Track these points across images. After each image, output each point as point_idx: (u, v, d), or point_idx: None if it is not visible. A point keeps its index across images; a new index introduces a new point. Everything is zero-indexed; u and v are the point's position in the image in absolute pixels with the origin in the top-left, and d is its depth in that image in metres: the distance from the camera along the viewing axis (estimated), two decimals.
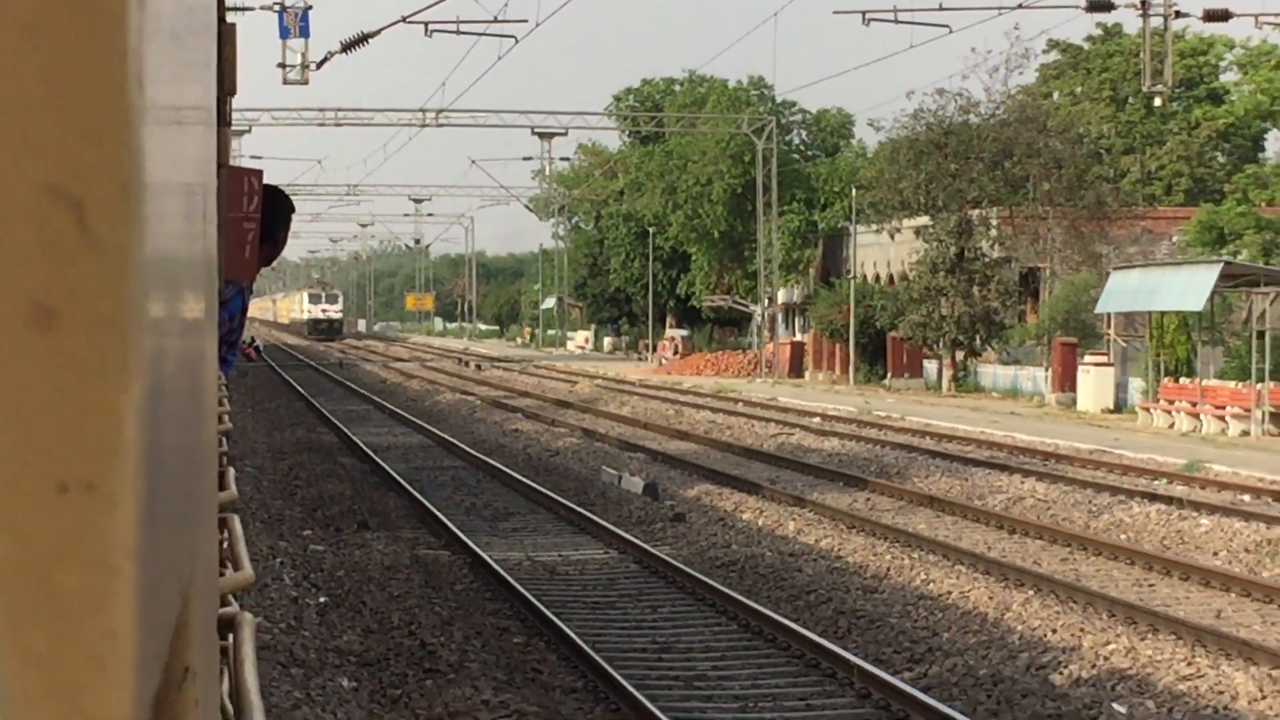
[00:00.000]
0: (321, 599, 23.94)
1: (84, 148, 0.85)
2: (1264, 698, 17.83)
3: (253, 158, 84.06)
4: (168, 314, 1.21)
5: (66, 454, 0.84)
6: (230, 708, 2.88)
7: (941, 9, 44.75)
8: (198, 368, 1.96)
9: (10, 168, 0.83)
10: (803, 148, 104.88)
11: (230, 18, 10.72)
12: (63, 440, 0.84)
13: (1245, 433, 50.06)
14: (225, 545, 4.42)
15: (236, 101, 10.54)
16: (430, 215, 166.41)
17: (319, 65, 39.18)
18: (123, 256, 0.86)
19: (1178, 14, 39.10)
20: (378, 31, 41.34)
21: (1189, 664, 19.40)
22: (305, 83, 38.02)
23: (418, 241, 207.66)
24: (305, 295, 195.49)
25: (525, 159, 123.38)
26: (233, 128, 13.44)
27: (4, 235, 0.83)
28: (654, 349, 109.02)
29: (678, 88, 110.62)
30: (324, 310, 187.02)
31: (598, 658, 19.29)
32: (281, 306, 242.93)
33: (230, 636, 2.92)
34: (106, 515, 0.85)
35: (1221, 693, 18.20)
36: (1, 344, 0.83)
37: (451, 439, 49.14)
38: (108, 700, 0.84)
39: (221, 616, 2.87)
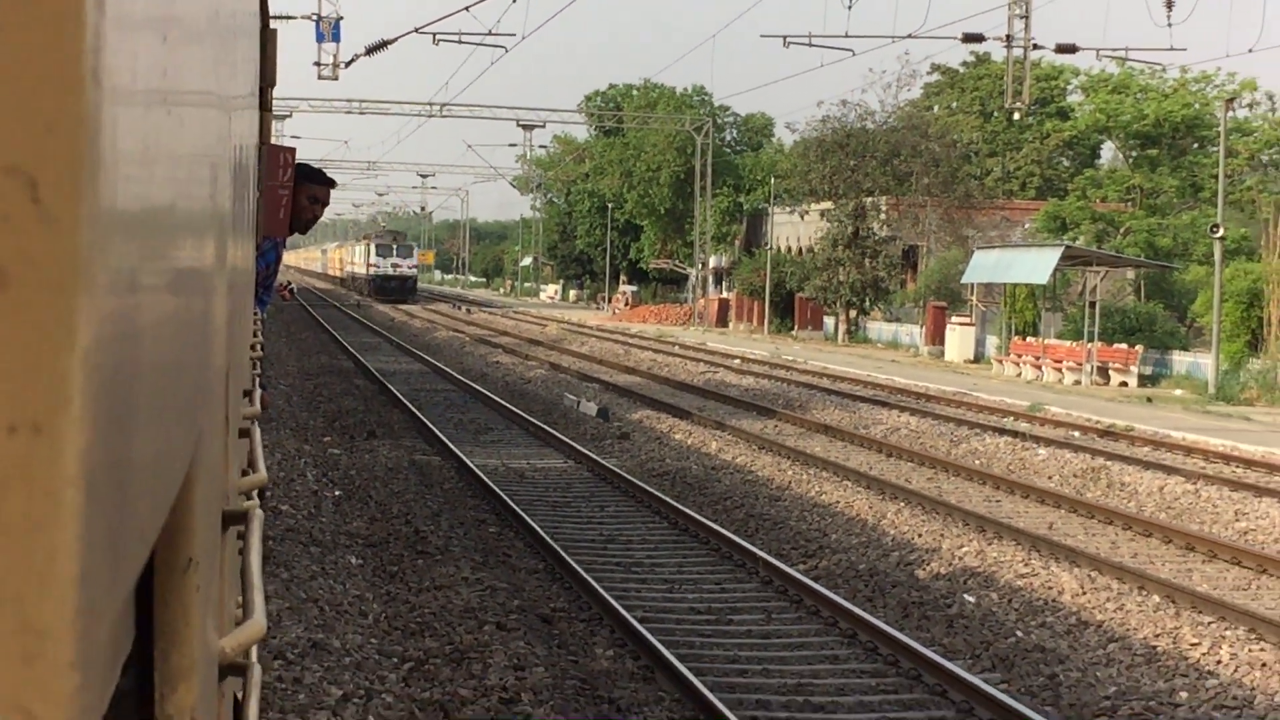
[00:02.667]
0: (336, 493, 23.93)
1: (39, 133, 0.82)
2: (1084, 593, 17.91)
3: (293, 138, 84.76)
4: (144, 279, 1.16)
5: (16, 399, 0.81)
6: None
7: (847, 36, 44.82)
8: (200, 311, 1.91)
9: None
10: (733, 144, 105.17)
11: (274, 24, 10.63)
12: (13, 387, 0.81)
13: (1077, 382, 50.32)
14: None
15: (280, 91, 10.52)
16: (433, 188, 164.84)
17: (347, 65, 39.07)
18: (73, 227, 0.83)
19: (1035, 46, 39.15)
20: (395, 39, 41.29)
21: (1026, 564, 19.46)
22: (336, 78, 37.98)
23: (423, 208, 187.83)
24: (371, 246, 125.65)
25: (511, 145, 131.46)
26: (274, 113, 13.37)
27: None
28: (609, 301, 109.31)
29: (635, 92, 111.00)
30: (395, 265, 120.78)
31: (556, 546, 19.29)
32: (334, 258, 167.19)
33: (244, 528, 2.88)
34: (51, 452, 0.81)
35: (1050, 588, 18.27)
36: None
37: (445, 367, 49.07)
38: (50, 611, 0.80)
39: (235, 511, 2.83)
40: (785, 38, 50.49)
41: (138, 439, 1.12)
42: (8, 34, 0.81)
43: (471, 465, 26.34)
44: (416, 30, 43.59)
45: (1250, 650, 15.51)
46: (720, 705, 12.73)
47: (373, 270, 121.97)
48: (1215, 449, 31.68)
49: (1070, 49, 45.89)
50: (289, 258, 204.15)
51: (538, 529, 20.40)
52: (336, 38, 36.35)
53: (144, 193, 1.16)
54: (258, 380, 7.15)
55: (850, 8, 36.54)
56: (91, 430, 0.85)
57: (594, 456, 28.39)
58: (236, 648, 2.16)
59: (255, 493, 3.82)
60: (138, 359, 1.11)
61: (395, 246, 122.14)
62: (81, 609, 0.84)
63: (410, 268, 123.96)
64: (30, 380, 0.81)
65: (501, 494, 23.28)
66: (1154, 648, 15.71)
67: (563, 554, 18.83)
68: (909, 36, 46.45)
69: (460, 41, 46.16)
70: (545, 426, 32.99)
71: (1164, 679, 14.65)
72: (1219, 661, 15.24)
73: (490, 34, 45.78)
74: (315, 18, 35.66)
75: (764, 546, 20.20)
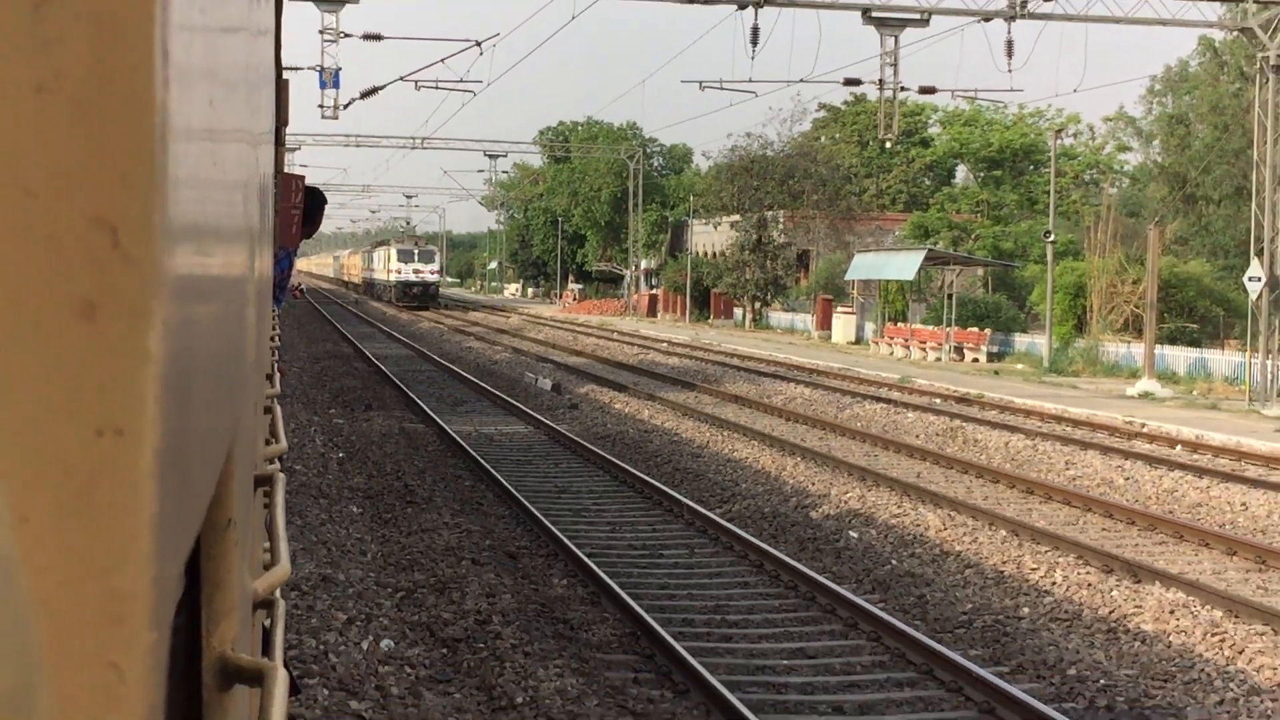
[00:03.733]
0: (340, 454, 23.88)
1: (118, 189, 0.82)
2: (945, 529, 18.01)
3: (302, 166, 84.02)
4: (197, 294, 1.16)
5: (103, 408, 0.81)
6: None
7: (750, 80, 44.83)
8: (236, 313, 1.91)
9: (67, 205, 0.80)
10: (659, 168, 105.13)
11: (287, 75, 10.62)
12: (100, 398, 0.81)
13: (938, 359, 50.57)
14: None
15: (291, 129, 10.51)
16: (416, 206, 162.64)
17: (345, 107, 38.89)
18: (146, 266, 0.83)
19: (902, 88, 39.19)
20: (384, 85, 41.18)
21: (898, 506, 19.55)
22: (336, 118, 37.82)
23: (408, 223, 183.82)
24: (393, 253, 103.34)
25: (479, 171, 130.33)
26: (287, 147, 13.35)
27: (62, 252, 0.80)
28: (560, 296, 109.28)
29: (580, 127, 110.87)
30: (417, 271, 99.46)
31: (519, 496, 19.31)
32: (349, 264, 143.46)
33: (269, 489, 2.87)
34: (132, 450, 0.82)
35: (918, 525, 18.36)
36: (59, 329, 0.80)
37: (427, 352, 48.98)
38: (132, 580, 0.81)
39: (263, 475, 2.83)
40: (701, 82, 50.38)
41: (194, 428, 1.12)
42: (92, 109, 0.81)
43: (450, 431, 26.32)
44: (401, 78, 43.60)
45: (1079, 573, 15.65)
46: (654, 623, 12.76)
47: (395, 276, 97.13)
48: (1049, 411, 31.92)
49: (930, 90, 46.03)
50: (301, 264, 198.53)
51: (504, 482, 20.42)
52: (336, 85, 36.19)
53: (198, 218, 1.16)
54: (275, 362, 7.13)
55: (754, 58, 36.46)
56: (162, 430, 0.86)
57: (549, 423, 28.40)
58: (266, 588, 2.17)
59: (277, 459, 3.81)
60: (194, 360, 1.11)
61: (418, 252, 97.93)
62: (155, 577, 0.84)
63: (432, 273, 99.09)
64: (113, 392, 0.82)
65: (475, 454, 23.28)
66: (1002, 572, 15.84)
67: (525, 503, 18.86)
68: (801, 81, 46.53)
69: (437, 87, 46.13)
70: (509, 399, 33.00)
71: (1010, 597, 14.78)
72: (1054, 582, 15.37)
73: (461, 81, 46.03)
74: (319, 69, 35.51)
75: (688, 494, 20.27)
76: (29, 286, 0.79)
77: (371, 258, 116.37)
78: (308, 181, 10.97)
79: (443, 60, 42.44)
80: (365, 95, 41.29)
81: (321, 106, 37.47)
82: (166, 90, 0.86)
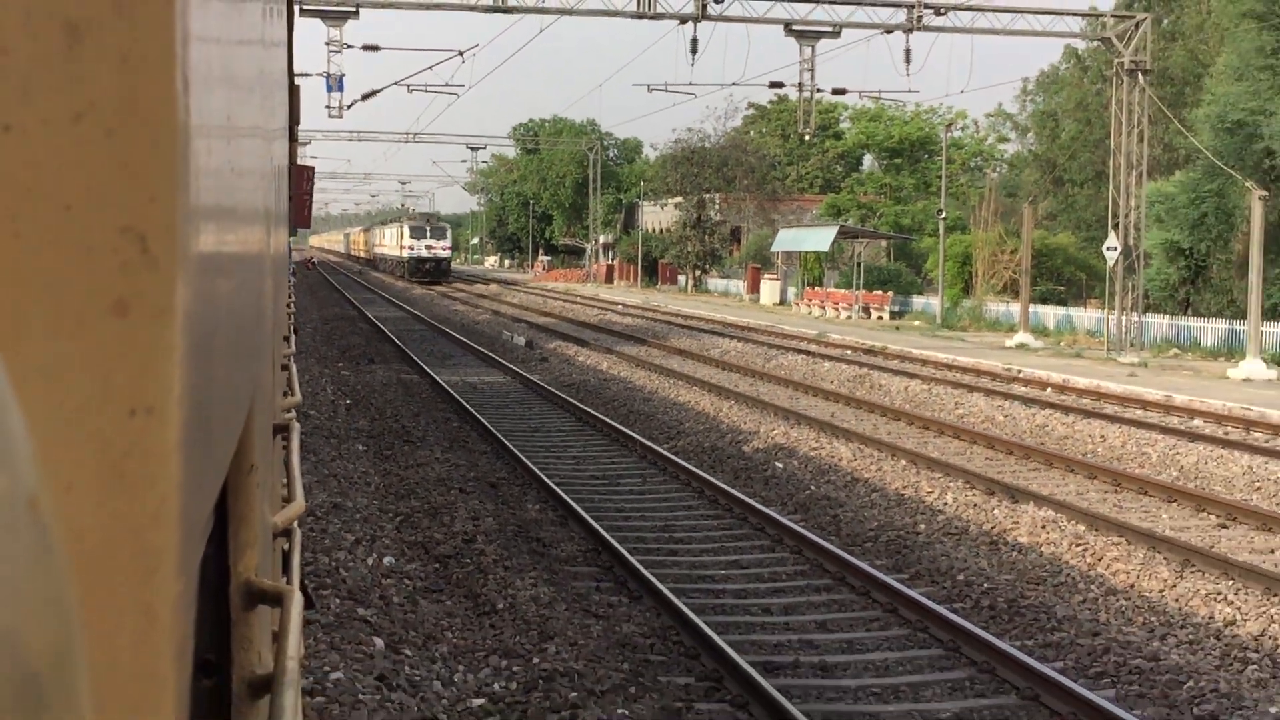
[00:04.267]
0: (347, 401, 23.80)
1: (146, 200, 0.83)
2: (856, 460, 18.10)
3: (312, 157, 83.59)
4: (218, 278, 1.16)
5: (135, 391, 0.82)
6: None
7: (691, 84, 44.88)
8: (255, 286, 1.91)
9: (101, 217, 0.81)
10: (615, 158, 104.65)
11: (299, 81, 10.58)
12: (132, 383, 0.82)
13: (849, 317, 50.70)
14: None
15: (302, 126, 10.46)
16: (410, 191, 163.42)
17: (349, 107, 38.62)
18: (171, 268, 0.84)
19: (818, 90, 39.18)
20: (382, 89, 40.90)
21: (816, 441, 19.64)
22: (341, 116, 37.59)
23: (403, 205, 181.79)
24: (405, 229, 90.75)
25: (463, 161, 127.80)
26: (299, 142, 13.27)
27: (97, 258, 0.81)
28: (532, 266, 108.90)
29: (547, 123, 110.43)
30: (430, 247, 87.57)
31: (498, 434, 19.31)
32: (358, 240, 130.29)
33: (287, 435, 2.87)
34: (161, 427, 0.83)
35: (833, 457, 18.46)
36: (96, 325, 0.81)
37: (420, 314, 48.83)
38: (162, 538, 0.83)
39: (281, 424, 2.82)
40: (649, 85, 50.45)
41: (217, 397, 1.12)
42: (122, 134, 0.81)
43: (440, 381, 26.26)
44: (396, 83, 43.44)
45: (966, 495, 15.77)
46: (613, 540, 12.81)
47: (408, 252, 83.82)
48: (941, 360, 32.09)
49: (841, 91, 46.04)
50: (314, 240, 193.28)
51: (486, 424, 20.41)
52: (341, 89, 35.93)
53: (217, 214, 1.16)
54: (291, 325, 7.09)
55: (693, 65, 36.40)
56: (186, 405, 0.87)
57: (523, 373, 28.37)
58: (285, 521, 2.16)
59: (294, 409, 3.80)
60: (216, 337, 1.11)
61: (430, 228, 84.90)
62: (183, 535, 0.86)
63: (445, 249, 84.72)
64: (144, 377, 0.82)
65: (461, 400, 23.24)
66: (902, 495, 15.94)
67: (503, 440, 18.87)
68: (733, 84, 46.56)
69: (426, 90, 45.99)
70: (490, 353, 32.95)
71: (909, 516, 14.88)
72: (945, 503, 15.48)
73: (446, 85, 46.14)
74: (326, 75, 35.30)
75: (640, 432, 20.30)
76: (69, 288, 0.80)
77: (381, 234, 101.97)
78: (317, 172, 10.93)
79: (430, 67, 42.29)
80: (365, 97, 41.00)
81: (328, 107, 37.21)
82: (188, 114, 0.87)
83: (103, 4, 0.80)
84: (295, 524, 2.26)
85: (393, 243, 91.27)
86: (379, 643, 9.62)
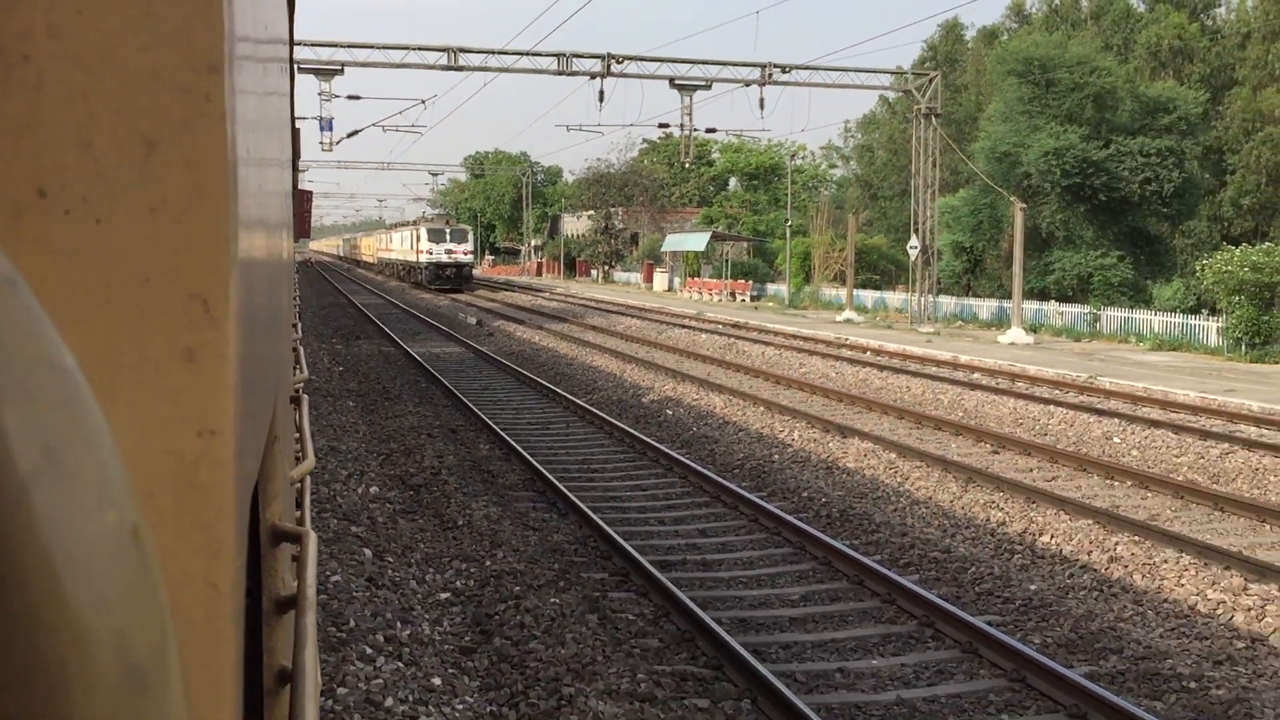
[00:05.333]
0: (340, 368, 23.46)
1: (208, 274, 0.84)
2: (726, 408, 18.16)
3: (309, 182, 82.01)
4: (259, 319, 1.16)
5: (201, 417, 0.83)
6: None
7: (599, 125, 44.70)
8: (281, 289, 1.89)
9: (173, 286, 0.82)
10: (542, 181, 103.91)
11: (299, 124, 10.41)
12: (200, 411, 0.83)
13: (720, 300, 50.82)
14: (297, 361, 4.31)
15: (301, 160, 10.27)
16: (386, 207, 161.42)
17: (337, 143, 37.93)
18: (227, 326, 0.85)
19: (695, 129, 39.16)
20: (362, 129, 40.38)
21: (697, 394, 19.70)
22: (331, 150, 36.92)
23: (381, 218, 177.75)
24: (422, 232, 59.16)
25: (425, 184, 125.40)
26: (300, 171, 13.00)
27: (171, 317, 0.82)
28: (480, 264, 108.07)
29: (490, 155, 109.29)
30: (450, 252, 57.45)
31: (456, 392, 19.14)
32: (365, 245, 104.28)
33: (298, 404, 2.83)
34: (222, 445, 0.85)
35: (709, 406, 18.51)
36: (171, 368, 0.82)
37: (395, 301, 48.19)
38: (223, 528, 0.87)
39: (294, 396, 2.79)
40: (568, 126, 50.27)
41: (258, 409, 1.12)
42: (187, 221, 0.83)
43: (412, 352, 25.97)
44: (373, 124, 43.01)
45: (808, 432, 15.92)
46: (545, 471, 12.78)
47: (425, 258, 60.20)
48: (789, 332, 32.33)
49: (713, 130, 46.09)
50: (313, 245, 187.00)
51: (447, 384, 20.22)
52: (331, 129, 35.31)
53: (259, 222, 1.16)
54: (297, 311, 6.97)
55: (601, 110, 36.26)
56: (242, 427, 0.88)
57: (475, 346, 28.14)
58: (300, 475, 2.14)
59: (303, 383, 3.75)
60: (257, 350, 1.11)
61: (450, 232, 60.99)
62: (238, 524, 0.87)
63: (466, 254, 61.65)
64: (209, 407, 0.84)
65: (428, 367, 23.00)
66: (761, 433, 16.05)
67: (460, 396, 18.71)
68: (632, 125, 46.73)
69: (397, 129, 45.42)
70: (450, 330, 32.62)
71: (767, 449, 15.00)
72: (793, 439, 15.61)
73: (412, 126, 45.77)
74: (319, 118, 34.70)
75: (565, 389, 20.25)
76: (150, 341, 0.81)
77: (389, 239, 78.28)
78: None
79: (400, 112, 41.96)
80: (350, 135, 40.32)
81: (321, 144, 36.56)
82: (237, 202, 0.87)
83: (173, 122, 0.81)
84: (308, 478, 2.24)
85: (405, 247, 66.99)
86: (368, 553, 9.53)
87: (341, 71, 33.58)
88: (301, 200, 8.76)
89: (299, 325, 5.93)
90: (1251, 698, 6.78)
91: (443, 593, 8.76)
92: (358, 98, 38.26)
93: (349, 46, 33.58)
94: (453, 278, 56.69)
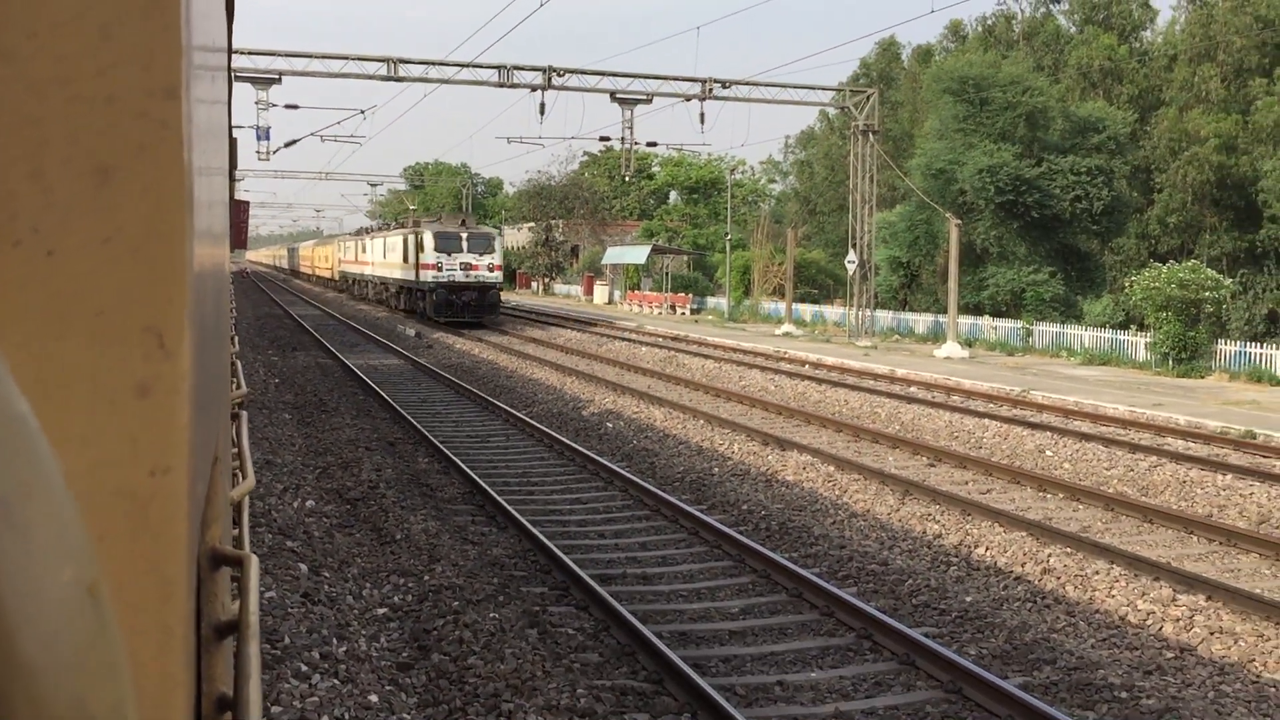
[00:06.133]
0: (276, 380, 23.14)
1: (164, 305, 0.82)
2: (666, 421, 18.21)
3: (245, 191, 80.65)
4: (208, 345, 1.13)
5: (155, 455, 0.81)
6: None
7: (540, 137, 44.64)
8: (224, 302, 1.86)
9: (127, 319, 0.80)
10: (483, 192, 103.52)
11: (236, 133, 10.28)
12: (153, 449, 0.81)
13: (660, 313, 50.90)
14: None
15: (238, 170, 10.14)
16: (324, 217, 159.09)
17: (274, 152, 37.48)
18: (183, 360, 0.83)
19: (635, 142, 39.22)
20: (300, 139, 39.87)
21: (637, 407, 19.71)
22: (268, 160, 36.46)
23: (319, 229, 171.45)
24: (427, 237, 35.53)
25: (364, 194, 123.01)
26: (236, 181, 12.84)
27: (125, 351, 0.80)
28: None
29: (430, 165, 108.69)
30: (468, 267, 34.84)
31: (394, 404, 18.97)
32: (318, 256, 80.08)
33: (238, 422, 2.78)
34: (175, 483, 0.82)
35: (650, 419, 18.53)
36: (125, 404, 0.80)
37: (333, 313, 47.64)
38: (175, 569, 0.86)
39: (233, 413, 2.74)
40: (508, 138, 50.11)
41: (207, 441, 1.10)
42: (143, 252, 0.81)
43: (349, 364, 25.69)
44: (312, 134, 42.48)
45: (748, 445, 15.98)
46: (484, 484, 12.70)
47: (430, 275, 37.97)
48: (729, 345, 32.46)
49: (653, 144, 46.23)
50: (254, 255, 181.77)
51: (385, 397, 20.03)
52: (267, 138, 34.86)
53: (207, 237, 1.13)
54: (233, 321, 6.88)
55: (542, 123, 36.17)
56: (195, 465, 0.86)
57: (414, 357, 27.91)
58: (239, 495, 2.10)
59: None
60: (208, 377, 1.09)
61: (466, 236, 38.08)
62: (189, 563, 0.85)
63: (492, 270, 38.53)
64: (162, 444, 0.82)
65: (366, 379, 22.77)
66: (701, 446, 16.09)
67: (399, 409, 18.54)
68: (573, 137, 46.76)
69: (336, 139, 44.94)
70: (387, 342, 32.33)
71: (706, 462, 15.03)
72: (733, 451, 15.67)
73: (351, 136, 45.28)
74: (256, 127, 34.28)
75: (505, 402, 20.15)
76: (103, 376, 0.79)
77: (367, 247, 53.41)
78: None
79: (339, 122, 41.44)
80: (288, 145, 39.90)
81: (258, 153, 36.13)
82: (193, 232, 0.85)
83: (129, 149, 0.79)
84: (247, 498, 2.20)
85: (394, 259, 44.86)
86: (303, 568, 9.39)
87: (279, 80, 33.22)
88: (238, 211, 8.64)
89: (235, 338, 5.84)
90: (1180, 707, 6.91)
91: (380, 608, 8.66)
92: (296, 107, 37.90)
93: (287, 55, 33.23)
94: (472, 306, 37.56)
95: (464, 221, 39.98)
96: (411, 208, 75.85)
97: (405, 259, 41.71)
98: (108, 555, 0.79)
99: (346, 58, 33.56)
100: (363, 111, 40.44)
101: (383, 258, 47.75)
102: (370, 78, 33.70)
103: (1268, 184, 46.36)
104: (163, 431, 0.82)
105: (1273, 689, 7.29)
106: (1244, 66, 50.56)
